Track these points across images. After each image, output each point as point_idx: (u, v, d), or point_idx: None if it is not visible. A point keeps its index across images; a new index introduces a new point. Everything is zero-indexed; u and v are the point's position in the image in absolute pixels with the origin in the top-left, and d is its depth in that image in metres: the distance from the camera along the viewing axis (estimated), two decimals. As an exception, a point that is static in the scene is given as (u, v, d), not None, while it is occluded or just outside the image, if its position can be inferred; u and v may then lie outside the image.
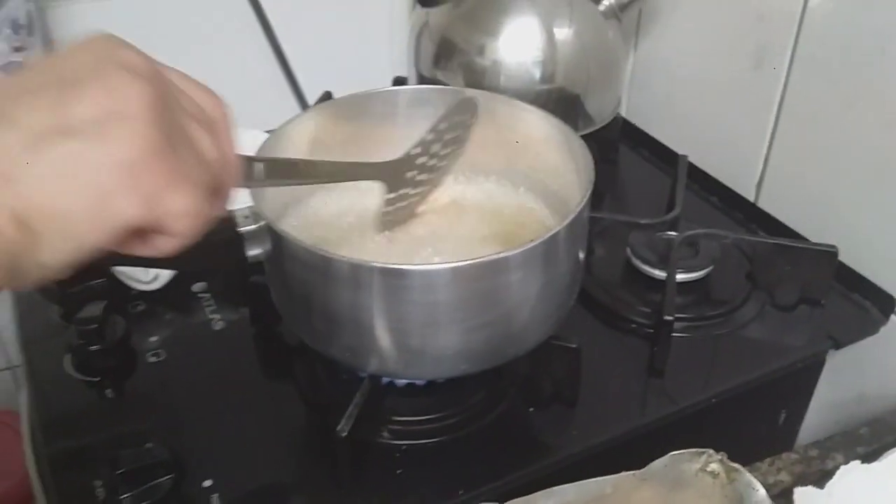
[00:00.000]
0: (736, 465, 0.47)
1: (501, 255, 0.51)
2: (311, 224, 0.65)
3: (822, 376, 0.73)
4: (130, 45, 0.35)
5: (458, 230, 0.65)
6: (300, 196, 0.66)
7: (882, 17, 0.65)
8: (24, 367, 0.69)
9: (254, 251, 0.56)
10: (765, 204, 0.80)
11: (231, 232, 0.55)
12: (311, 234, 0.63)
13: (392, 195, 0.62)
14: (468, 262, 0.50)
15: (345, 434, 0.53)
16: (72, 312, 0.66)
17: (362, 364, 0.57)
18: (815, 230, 0.74)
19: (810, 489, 0.50)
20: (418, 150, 0.63)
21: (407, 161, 0.62)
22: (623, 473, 0.47)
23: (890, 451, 0.53)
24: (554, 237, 0.53)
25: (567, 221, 0.53)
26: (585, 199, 0.55)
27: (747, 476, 0.46)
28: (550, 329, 0.58)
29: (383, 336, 0.53)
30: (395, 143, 0.64)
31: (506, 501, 0.47)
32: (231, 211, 0.56)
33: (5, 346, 1.39)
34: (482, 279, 0.51)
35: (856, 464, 0.52)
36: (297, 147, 0.62)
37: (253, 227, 0.55)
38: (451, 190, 0.69)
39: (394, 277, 0.51)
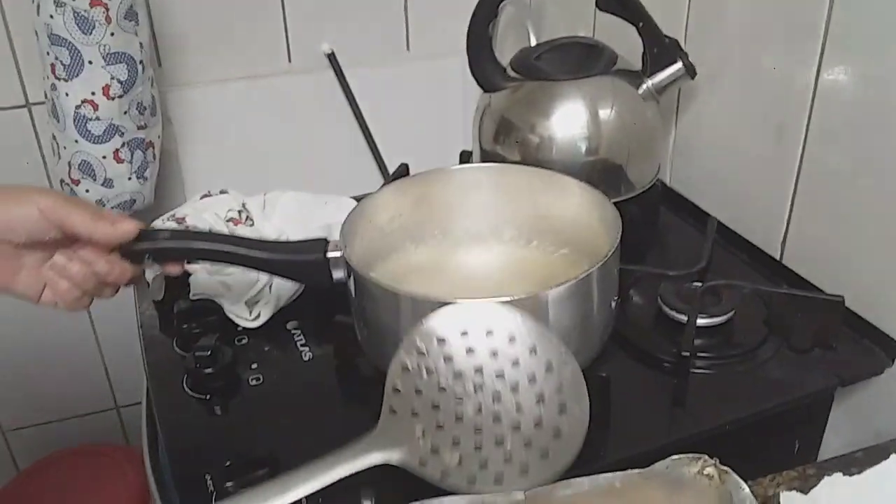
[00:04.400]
0: (726, 468, 0.56)
1: (544, 291, 0.63)
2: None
3: (841, 416, 0.81)
4: None
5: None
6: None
7: (882, 94, 0.74)
8: (149, 385, 0.83)
9: (339, 274, 0.69)
10: (788, 260, 0.88)
11: (320, 255, 0.69)
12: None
13: None
14: (517, 297, 0.62)
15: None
16: (189, 344, 0.81)
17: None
18: (831, 283, 0.82)
19: (794, 494, 0.59)
20: None
21: None
22: (630, 471, 0.57)
23: (873, 466, 0.61)
24: (587, 278, 0.64)
25: (597, 265, 0.65)
26: (613, 249, 0.67)
27: (734, 477, 0.55)
28: (585, 361, 0.68)
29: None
30: (455, 211, 0.78)
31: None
32: (325, 239, 0.71)
33: (114, 389, 1.57)
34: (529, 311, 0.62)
35: (838, 475, 0.60)
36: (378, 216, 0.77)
37: (338, 254, 0.69)
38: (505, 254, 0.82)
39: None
